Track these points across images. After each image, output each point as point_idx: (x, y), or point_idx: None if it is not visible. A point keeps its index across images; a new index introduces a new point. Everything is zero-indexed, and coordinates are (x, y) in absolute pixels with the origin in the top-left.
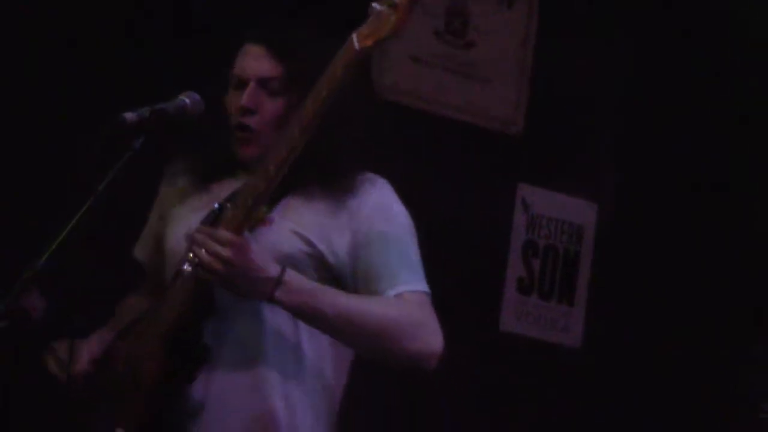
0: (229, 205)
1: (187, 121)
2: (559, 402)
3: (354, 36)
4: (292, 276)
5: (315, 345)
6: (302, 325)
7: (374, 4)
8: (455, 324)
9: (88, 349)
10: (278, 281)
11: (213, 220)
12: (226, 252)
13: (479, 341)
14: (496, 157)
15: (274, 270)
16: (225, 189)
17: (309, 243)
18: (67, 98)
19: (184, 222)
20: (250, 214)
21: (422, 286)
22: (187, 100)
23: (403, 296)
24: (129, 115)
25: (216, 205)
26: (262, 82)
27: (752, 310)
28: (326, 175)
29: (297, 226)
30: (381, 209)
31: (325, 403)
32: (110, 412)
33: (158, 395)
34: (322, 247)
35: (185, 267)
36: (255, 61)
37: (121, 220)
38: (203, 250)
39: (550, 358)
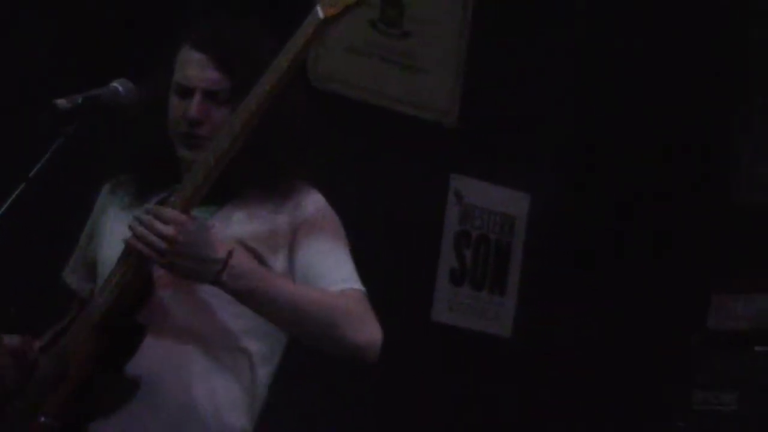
0: (171, 198)
1: (119, 108)
2: (490, 391)
3: (318, 6)
4: (240, 259)
5: (247, 341)
6: (238, 321)
7: None
8: (387, 314)
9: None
10: (225, 263)
11: None
12: (169, 230)
13: (411, 331)
14: (429, 148)
15: (221, 251)
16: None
17: (252, 251)
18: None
19: (122, 231)
20: (189, 204)
21: (360, 285)
22: (120, 87)
23: (345, 292)
24: (61, 102)
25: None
26: (209, 94)
27: (685, 299)
28: (266, 181)
29: (239, 234)
30: (317, 217)
31: (249, 397)
32: (34, 404)
33: (86, 382)
34: (264, 253)
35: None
36: (200, 72)
37: (56, 210)
38: (145, 229)
39: (481, 347)
